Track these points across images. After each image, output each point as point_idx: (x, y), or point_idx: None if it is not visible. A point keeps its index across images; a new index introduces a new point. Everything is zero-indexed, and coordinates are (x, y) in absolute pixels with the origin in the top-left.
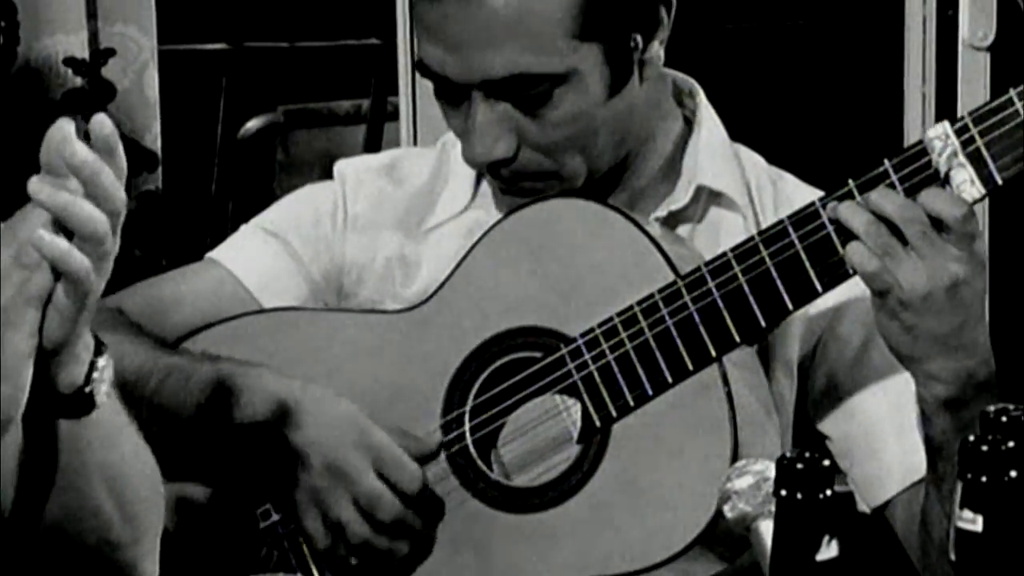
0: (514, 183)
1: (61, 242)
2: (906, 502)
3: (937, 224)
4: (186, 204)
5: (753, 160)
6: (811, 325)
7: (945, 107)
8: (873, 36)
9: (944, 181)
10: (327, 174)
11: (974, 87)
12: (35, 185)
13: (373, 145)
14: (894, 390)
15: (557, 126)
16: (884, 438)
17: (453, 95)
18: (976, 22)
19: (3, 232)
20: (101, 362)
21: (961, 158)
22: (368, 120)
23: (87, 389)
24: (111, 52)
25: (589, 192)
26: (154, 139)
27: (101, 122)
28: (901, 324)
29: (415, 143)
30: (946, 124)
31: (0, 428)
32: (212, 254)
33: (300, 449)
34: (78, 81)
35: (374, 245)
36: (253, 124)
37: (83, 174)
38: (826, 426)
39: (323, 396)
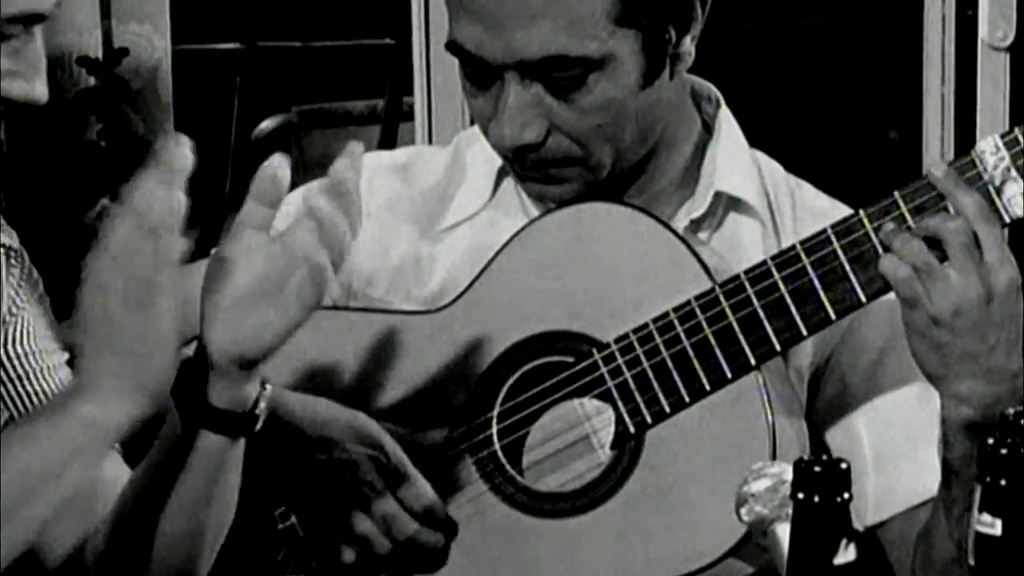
0: (539, 169)
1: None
2: (903, 524)
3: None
4: (200, 204)
5: (771, 168)
6: (825, 334)
7: (965, 107)
8: (892, 36)
9: (996, 194)
10: None
11: (994, 87)
12: (319, 199)
13: (388, 145)
14: (904, 409)
15: (588, 112)
16: (889, 457)
17: (484, 77)
18: (995, 22)
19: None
20: (268, 389)
21: (1014, 172)
22: (383, 120)
23: (256, 411)
24: (125, 52)
25: (608, 193)
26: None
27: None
28: (931, 342)
29: (430, 143)
30: (996, 137)
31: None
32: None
33: (317, 467)
34: (92, 80)
35: (387, 245)
36: (267, 124)
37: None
38: (830, 437)
39: (336, 409)
